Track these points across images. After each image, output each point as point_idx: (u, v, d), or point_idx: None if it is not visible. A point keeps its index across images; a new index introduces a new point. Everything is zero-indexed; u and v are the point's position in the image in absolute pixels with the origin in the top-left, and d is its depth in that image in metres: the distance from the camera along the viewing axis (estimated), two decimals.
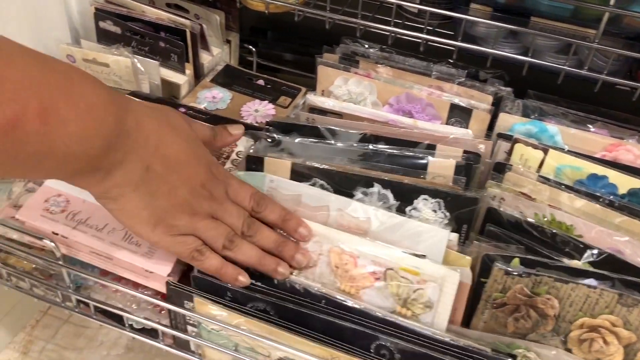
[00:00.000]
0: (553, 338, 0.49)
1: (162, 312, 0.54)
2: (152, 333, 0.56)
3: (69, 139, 0.38)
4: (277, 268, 0.49)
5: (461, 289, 0.49)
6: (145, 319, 0.54)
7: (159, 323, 0.53)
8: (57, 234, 0.52)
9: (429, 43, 0.68)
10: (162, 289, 0.51)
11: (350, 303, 0.48)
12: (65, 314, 0.97)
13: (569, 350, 0.49)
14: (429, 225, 0.51)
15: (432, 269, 0.48)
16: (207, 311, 0.50)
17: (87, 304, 0.55)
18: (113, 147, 0.41)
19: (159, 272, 0.50)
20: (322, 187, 0.56)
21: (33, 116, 0.35)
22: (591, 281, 0.46)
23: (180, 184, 0.45)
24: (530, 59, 0.64)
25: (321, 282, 0.50)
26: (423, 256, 0.49)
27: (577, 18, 0.63)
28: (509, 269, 0.47)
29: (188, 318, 0.52)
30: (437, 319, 0.48)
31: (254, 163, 0.57)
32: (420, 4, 0.69)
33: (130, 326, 0.55)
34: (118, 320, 0.56)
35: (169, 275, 0.50)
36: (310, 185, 0.56)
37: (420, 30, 0.68)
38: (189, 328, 0.52)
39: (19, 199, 0.56)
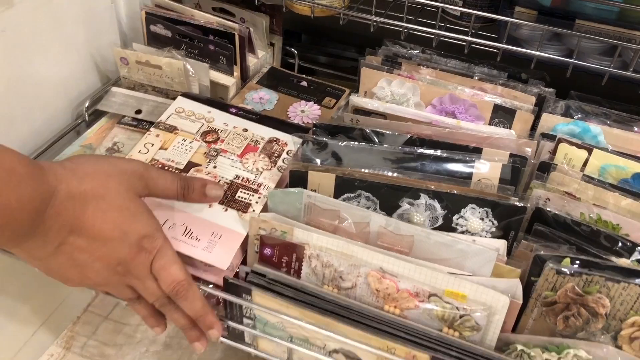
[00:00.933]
0: (603, 336, 0.50)
1: (219, 305, 0.56)
2: None
3: None
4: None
5: (511, 307, 0.49)
6: None
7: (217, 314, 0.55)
8: None
9: (472, 45, 0.69)
10: (220, 282, 0.53)
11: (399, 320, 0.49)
12: (105, 311, 1.00)
13: (619, 348, 0.49)
14: (477, 247, 0.51)
15: (480, 293, 0.48)
16: (264, 305, 0.52)
17: None
18: (35, 217, 0.43)
19: (218, 265, 0.52)
20: (367, 199, 0.57)
21: None
22: None
23: (95, 259, 0.47)
24: (574, 61, 0.65)
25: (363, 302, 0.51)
26: (470, 275, 0.49)
27: (623, 20, 0.63)
28: (561, 269, 0.48)
29: (244, 311, 0.54)
30: (485, 338, 0.49)
31: (297, 177, 0.58)
32: (462, 7, 0.70)
33: None
34: None
35: (227, 268, 0.52)
36: (355, 196, 0.57)
37: (463, 33, 0.69)
38: (245, 321, 0.54)
39: None
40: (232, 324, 0.54)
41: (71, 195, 0.45)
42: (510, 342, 0.50)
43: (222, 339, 0.56)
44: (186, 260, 0.53)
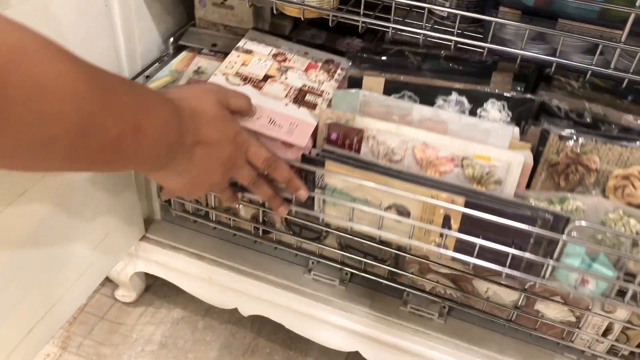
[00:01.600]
0: (595, 190, 0.65)
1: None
2: None
3: (146, 146, 0.49)
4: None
5: (524, 168, 0.65)
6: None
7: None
8: None
9: (459, 45, 0.68)
10: (299, 160, 0.68)
11: (440, 178, 0.65)
12: (102, 311, 1.04)
13: (607, 198, 0.65)
14: (496, 123, 0.67)
15: (501, 154, 0.64)
16: (335, 176, 0.67)
17: None
18: (167, 151, 0.53)
19: (298, 143, 0.67)
20: (409, 97, 0.73)
21: (129, 132, 0.46)
22: (623, 142, 0.63)
23: (214, 161, 0.59)
24: (558, 59, 0.64)
25: None
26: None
27: (603, 19, 0.63)
28: (563, 133, 0.63)
29: (317, 182, 0.69)
30: (504, 192, 0.65)
31: (354, 81, 0.74)
32: (449, 7, 0.69)
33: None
34: None
35: (304, 147, 0.68)
36: (400, 96, 0.73)
37: (449, 33, 0.68)
38: (317, 191, 0.70)
39: None
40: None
41: (189, 113, 0.55)
42: (524, 197, 0.65)
43: (296, 207, 0.72)
44: (270, 144, 0.69)
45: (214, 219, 0.93)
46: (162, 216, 0.99)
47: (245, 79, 0.74)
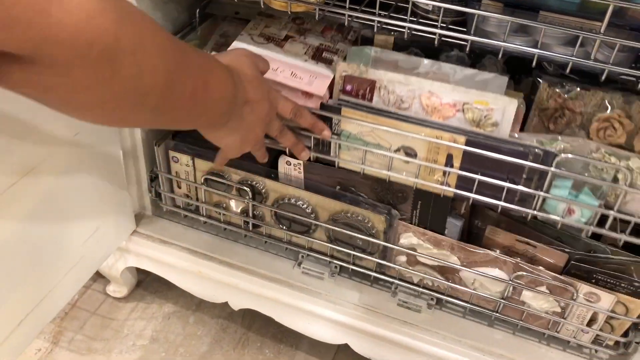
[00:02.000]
0: (580, 132, 0.74)
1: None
2: None
3: (213, 102, 0.55)
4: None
5: (518, 111, 0.73)
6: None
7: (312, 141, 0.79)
8: None
9: (443, 38, 0.71)
10: (317, 107, 0.77)
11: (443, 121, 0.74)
12: (93, 307, 1.05)
13: (591, 139, 0.73)
14: (493, 74, 0.76)
15: (497, 99, 0.72)
16: (350, 122, 0.76)
17: None
18: (228, 108, 0.59)
19: (317, 92, 0.76)
20: (416, 54, 0.81)
21: (200, 88, 0.51)
22: (606, 89, 0.71)
23: (257, 118, 0.66)
24: (539, 51, 0.66)
25: None
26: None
27: (584, 11, 0.65)
28: (552, 79, 0.72)
29: (334, 128, 0.77)
30: (501, 132, 0.73)
31: (366, 40, 0.82)
32: (433, 0, 0.70)
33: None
34: None
35: (322, 96, 0.76)
36: (408, 52, 0.81)
37: (434, 26, 0.70)
38: (334, 137, 0.78)
39: None
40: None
41: (237, 75, 0.61)
42: (518, 138, 0.74)
43: (313, 153, 0.80)
44: (292, 94, 0.77)
45: (204, 213, 0.97)
46: (152, 211, 1.00)
47: (268, 39, 0.83)
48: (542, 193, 0.71)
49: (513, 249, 0.82)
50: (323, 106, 0.77)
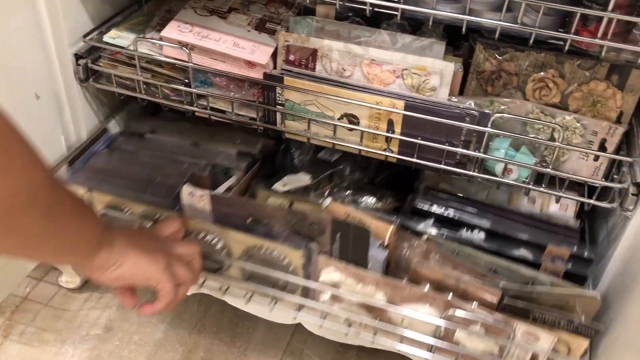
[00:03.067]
0: (517, 94, 0.76)
1: (258, 101, 0.80)
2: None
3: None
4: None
5: (456, 75, 0.75)
6: (244, 115, 0.81)
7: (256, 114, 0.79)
8: (187, 45, 0.79)
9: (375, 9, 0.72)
10: (260, 77, 0.77)
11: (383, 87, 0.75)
12: (45, 298, 1.02)
13: (527, 100, 0.75)
14: (431, 40, 0.77)
15: (435, 64, 0.74)
16: (293, 91, 0.77)
17: (205, 98, 0.82)
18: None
19: (259, 61, 0.77)
20: (358, 22, 0.82)
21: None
22: (539, 49, 0.73)
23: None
24: (468, 17, 0.67)
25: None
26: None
27: None
28: (487, 41, 0.73)
29: (278, 98, 0.78)
30: (439, 96, 0.75)
31: (308, 10, 0.83)
32: None
33: (236, 114, 0.82)
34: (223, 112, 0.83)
35: (265, 64, 0.77)
36: (351, 21, 0.82)
37: None
38: (278, 107, 0.79)
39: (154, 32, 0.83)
40: (269, 107, 0.79)
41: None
42: (457, 102, 0.75)
43: (261, 124, 0.81)
44: (234, 63, 0.78)
45: None
46: None
47: (212, 11, 0.83)
48: (479, 154, 0.73)
49: (443, 284, 0.73)
50: (266, 76, 0.77)
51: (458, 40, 0.80)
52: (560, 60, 0.72)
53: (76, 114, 0.90)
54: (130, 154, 0.91)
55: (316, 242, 0.73)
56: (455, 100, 0.75)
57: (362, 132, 0.77)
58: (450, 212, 0.82)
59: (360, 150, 0.79)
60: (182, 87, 0.83)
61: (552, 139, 0.72)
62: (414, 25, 0.80)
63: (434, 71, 0.73)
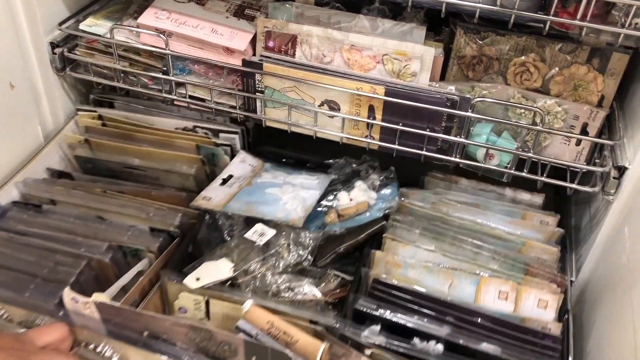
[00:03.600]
0: (498, 79, 0.75)
1: (237, 89, 0.79)
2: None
3: None
4: None
5: (436, 61, 0.74)
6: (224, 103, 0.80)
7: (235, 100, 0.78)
8: (164, 32, 0.77)
9: None
10: (239, 63, 0.76)
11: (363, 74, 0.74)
12: None
13: (509, 85, 0.75)
14: (412, 25, 0.76)
15: (415, 49, 0.73)
16: (273, 78, 0.75)
17: (184, 86, 0.81)
18: None
19: (238, 47, 0.75)
20: (338, 8, 0.81)
21: None
22: (519, 33, 0.72)
23: None
24: (447, 0, 0.67)
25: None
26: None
27: None
28: (468, 25, 0.73)
29: (257, 85, 0.77)
30: (420, 81, 0.74)
31: None
32: None
33: (215, 103, 0.81)
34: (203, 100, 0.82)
35: (244, 50, 0.75)
36: (331, 6, 0.81)
37: None
38: (258, 94, 0.78)
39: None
40: (249, 95, 0.78)
41: None
42: (439, 87, 0.75)
43: (241, 112, 0.80)
44: (213, 50, 0.77)
45: None
46: None
47: None
48: (460, 139, 0.73)
49: None
50: (245, 62, 0.76)
51: (439, 25, 0.79)
52: (541, 44, 0.72)
53: (54, 104, 0.89)
54: (18, 235, 0.73)
55: None
56: (436, 85, 0.74)
57: (343, 119, 0.76)
58: (401, 318, 0.62)
59: (341, 137, 0.78)
60: (160, 75, 0.81)
61: (534, 123, 0.72)
62: (395, 11, 0.79)
63: (414, 56, 0.73)
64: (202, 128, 0.86)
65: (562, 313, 0.64)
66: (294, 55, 0.77)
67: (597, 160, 0.73)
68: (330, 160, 0.84)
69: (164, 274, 0.67)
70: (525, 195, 0.80)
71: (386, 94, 0.72)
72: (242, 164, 0.83)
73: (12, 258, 0.70)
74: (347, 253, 0.74)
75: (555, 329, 0.61)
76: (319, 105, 0.77)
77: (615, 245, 0.69)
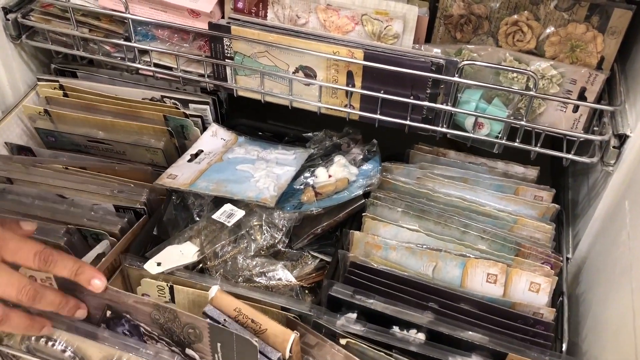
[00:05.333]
0: (488, 40, 0.69)
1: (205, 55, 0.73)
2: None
3: None
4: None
5: (420, 21, 0.68)
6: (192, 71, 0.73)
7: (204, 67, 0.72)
8: None
9: None
10: (206, 27, 0.70)
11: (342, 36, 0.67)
12: None
13: (500, 47, 0.68)
14: None
15: (397, 8, 0.66)
16: (242, 42, 0.69)
17: (148, 52, 0.74)
18: None
19: (203, 9, 0.69)
20: None
21: None
22: None
23: None
24: None
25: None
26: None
27: None
28: None
29: (226, 51, 0.71)
30: (403, 44, 0.68)
31: None
32: None
33: (182, 71, 0.74)
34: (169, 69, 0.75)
35: (210, 12, 0.69)
36: None
37: None
38: (227, 61, 0.72)
39: None
40: (217, 61, 0.72)
41: None
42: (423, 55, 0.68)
43: (210, 80, 0.73)
44: (177, 12, 0.70)
45: None
46: None
47: None
48: (447, 107, 0.66)
49: None
50: (211, 25, 0.70)
51: None
52: (535, 1, 0.65)
53: (12, 74, 0.82)
54: None
55: (194, 351, 0.56)
56: (421, 48, 0.68)
57: (320, 86, 0.70)
58: (379, 305, 0.56)
59: (319, 107, 0.72)
60: (122, 42, 0.75)
61: (528, 89, 0.66)
62: None
63: (396, 16, 0.66)
64: (171, 98, 0.80)
65: (556, 296, 0.59)
66: (265, 17, 0.71)
67: (595, 128, 0.67)
68: (310, 134, 0.78)
69: (124, 259, 0.62)
70: (518, 168, 0.74)
71: (365, 58, 0.66)
72: (213, 138, 0.78)
73: None
74: (326, 233, 0.69)
75: (548, 314, 0.56)
76: (293, 72, 0.70)
77: (615, 220, 0.64)
